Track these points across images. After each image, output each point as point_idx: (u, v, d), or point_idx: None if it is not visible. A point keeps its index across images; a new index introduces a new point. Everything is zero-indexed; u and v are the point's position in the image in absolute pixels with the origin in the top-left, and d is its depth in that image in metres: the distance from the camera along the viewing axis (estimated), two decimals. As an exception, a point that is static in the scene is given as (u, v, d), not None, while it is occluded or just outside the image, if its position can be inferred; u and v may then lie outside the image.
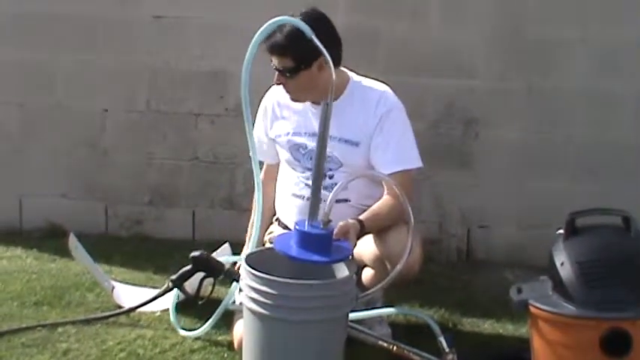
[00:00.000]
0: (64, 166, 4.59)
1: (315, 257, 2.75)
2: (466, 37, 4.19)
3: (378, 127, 3.22)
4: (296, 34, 3.05)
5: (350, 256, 2.86)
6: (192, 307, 3.27)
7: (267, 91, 3.38)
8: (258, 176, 3.13)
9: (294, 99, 3.27)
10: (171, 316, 3.33)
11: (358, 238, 3.00)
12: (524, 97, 4.19)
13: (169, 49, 4.42)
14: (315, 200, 2.84)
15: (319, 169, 2.88)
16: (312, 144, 3.21)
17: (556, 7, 4.10)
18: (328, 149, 3.14)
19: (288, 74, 3.15)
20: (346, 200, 3.17)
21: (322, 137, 2.89)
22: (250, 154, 3.11)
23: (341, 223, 2.92)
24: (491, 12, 4.16)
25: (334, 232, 2.86)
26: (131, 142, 4.51)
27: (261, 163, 3.33)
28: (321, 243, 2.78)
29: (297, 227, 2.83)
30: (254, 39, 2.87)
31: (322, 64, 3.13)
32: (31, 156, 4.59)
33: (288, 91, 3.23)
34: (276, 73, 3.17)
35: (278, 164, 3.39)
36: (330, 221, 2.81)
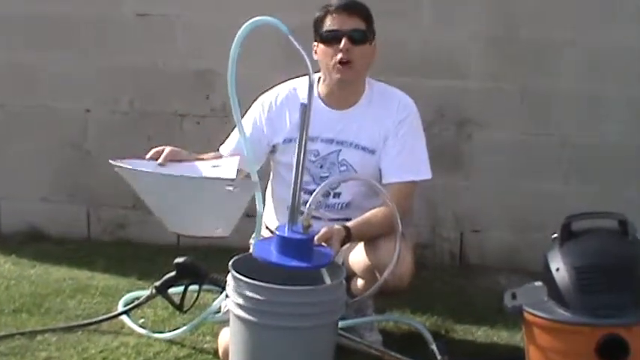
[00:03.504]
0: (45, 168, 4.59)
1: (294, 263, 2.74)
2: (458, 38, 4.20)
3: (394, 132, 3.23)
4: (363, 4, 3.17)
5: (330, 261, 2.83)
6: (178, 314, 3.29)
7: (267, 90, 3.35)
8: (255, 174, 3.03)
9: (349, 75, 3.18)
10: (125, 318, 3.37)
11: (344, 244, 2.99)
12: (518, 98, 4.20)
13: (154, 48, 4.42)
14: (294, 204, 2.81)
15: (299, 172, 2.84)
16: (326, 150, 3.23)
17: (549, 8, 4.12)
18: (343, 156, 3.18)
19: (357, 39, 3.14)
20: (348, 219, 3.12)
21: (302, 139, 2.83)
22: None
23: (325, 229, 2.90)
24: (484, 13, 4.18)
25: (316, 237, 2.85)
26: (115, 143, 4.49)
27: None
28: (302, 248, 2.77)
29: (277, 232, 2.83)
30: (236, 37, 2.85)
31: (374, 48, 3.21)
32: (11, 157, 4.60)
33: (350, 60, 3.15)
34: (343, 40, 3.12)
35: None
36: (310, 226, 2.79)
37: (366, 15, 3.20)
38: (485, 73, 4.22)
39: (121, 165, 2.94)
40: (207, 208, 2.97)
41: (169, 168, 3.07)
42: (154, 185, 3.01)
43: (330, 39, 3.17)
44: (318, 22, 3.21)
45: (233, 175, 3.00)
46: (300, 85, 3.18)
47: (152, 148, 3.12)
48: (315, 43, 3.22)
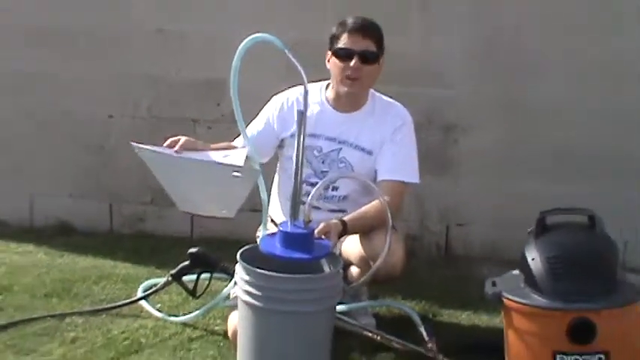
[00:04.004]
0: (72, 169, 4.59)
1: (296, 255, 2.74)
2: (445, 50, 4.19)
3: (391, 137, 3.24)
4: (377, 25, 3.18)
5: (328, 253, 2.84)
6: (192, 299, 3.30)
7: (281, 91, 3.36)
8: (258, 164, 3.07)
9: (355, 90, 3.21)
10: (144, 303, 3.37)
11: (340, 237, 3.00)
12: (499, 105, 4.20)
13: (170, 60, 4.42)
14: (295, 202, 2.82)
15: (298, 170, 2.84)
16: (328, 147, 3.24)
17: (529, 20, 4.11)
18: (343, 154, 3.19)
19: (368, 58, 3.15)
20: (343, 211, 3.16)
21: (300, 142, 2.84)
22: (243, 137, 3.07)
23: (323, 223, 2.91)
24: (468, 25, 4.17)
25: (316, 230, 2.85)
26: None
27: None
28: (303, 242, 2.78)
29: (280, 228, 2.84)
30: (237, 52, 2.85)
31: (382, 65, 3.21)
32: (42, 159, 4.59)
33: (357, 77, 3.17)
34: (354, 59, 3.14)
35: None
36: (310, 221, 2.80)
37: (378, 37, 3.21)
38: (470, 82, 4.21)
39: (142, 147, 2.95)
40: (215, 191, 2.98)
41: (184, 155, 3.06)
42: (169, 167, 3.03)
43: (342, 55, 3.18)
44: (335, 38, 3.21)
45: (241, 163, 2.99)
46: (309, 89, 3.18)
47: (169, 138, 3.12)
48: (329, 53, 3.23)
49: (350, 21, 3.20)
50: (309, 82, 2.95)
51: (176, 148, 3.05)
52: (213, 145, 3.21)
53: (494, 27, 4.15)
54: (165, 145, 3.09)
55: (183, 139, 3.09)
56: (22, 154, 4.61)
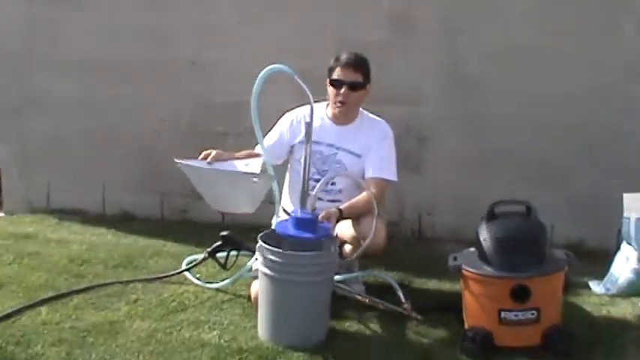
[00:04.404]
0: (132, 170, 4.56)
1: (304, 234, 2.78)
2: (418, 75, 4.13)
3: (376, 145, 3.25)
4: (365, 59, 3.16)
5: (328, 233, 2.87)
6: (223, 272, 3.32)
7: (293, 109, 3.37)
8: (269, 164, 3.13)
9: (343, 111, 3.21)
10: (187, 273, 3.38)
11: (338, 221, 3.03)
12: (462, 120, 4.14)
13: (203, 85, 4.37)
14: (304, 195, 2.87)
15: (306, 172, 2.89)
16: (327, 152, 3.25)
17: (485, 50, 4.05)
18: (338, 157, 3.21)
19: (355, 87, 3.16)
20: (339, 201, 3.18)
21: (307, 148, 2.89)
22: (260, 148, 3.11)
23: (324, 211, 2.95)
24: (437, 58, 4.11)
25: (319, 216, 2.89)
26: (177, 153, 4.47)
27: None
28: (309, 225, 2.82)
29: (292, 214, 2.88)
30: (258, 78, 2.90)
31: (368, 90, 3.21)
32: (111, 163, 4.57)
33: (345, 102, 3.18)
34: (343, 88, 3.14)
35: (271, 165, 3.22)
36: (315, 209, 2.85)
37: (365, 70, 3.21)
38: (438, 102, 4.15)
39: (182, 162, 3.00)
40: (238, 193, 3.04)
41: (215, 165, 3.09)
42: (203, 176, 3.07)
43: (335, 85, 3.21)
44: (331, 70, 3.23)
45: (257, 171, 3.05)
46: (314, 107, 3.17)
47: (203, 150, 3.15)
48: (328, 81, 3.25)
49: (343, 57, 3.21)
50: (314, 101, 2.99)
51: (208, 160, 3.09)
52: (237, 154, 3.23)
53: (457, 60, 4.10)
54: (200, 157, 3.11)
55: (213, 152, 3.13)
56: (97, 159, 4.59)
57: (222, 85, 4.36)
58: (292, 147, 3.34)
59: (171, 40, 4.39)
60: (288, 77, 3.00)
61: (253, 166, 3.11)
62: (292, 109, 3.40)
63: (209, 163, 3.09)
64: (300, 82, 2.89)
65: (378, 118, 3.35)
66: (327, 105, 3.33)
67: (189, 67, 4.40)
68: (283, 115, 3.41)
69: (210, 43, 4.35)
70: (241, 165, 3.14)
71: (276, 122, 3.41)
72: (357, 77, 3.19)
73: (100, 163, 4.61)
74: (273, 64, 2.97)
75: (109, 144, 4.59)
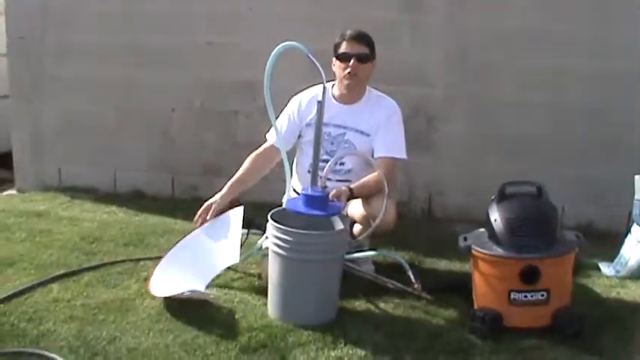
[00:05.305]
0: (144, 149, 4.59)
1: (314, 212, 2.77)
2: (427, 58, 4.16)
3: (384, 123, 3.23)
4: (369, 35, 3.19)
5: (339, 211, 2.85)
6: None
7: (301, 91, 3.35)
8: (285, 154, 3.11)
9: (352, 84, 3.20)
10: None
11: (348, 200, 3.02)
12: (469, 101, 4.16)
13: (217, 65, 4.40)
14: (315, 172, 2.85)
15: (317, 149, 2.86)
16: (335, 132, 3.23)
17: (490, 37, 4.07)
18: (347, 137, 3.19)
19: (363, 59, 3.16)
20: (348, 181, 3.15)
21: (318, 126, 2.87)
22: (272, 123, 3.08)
23: (335, 190, 2.93)
24: (445, 41, 4.13)
25: (330, 194, 2.87)
26: (190, 131, 4.51)
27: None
28: (320, 202, 2.80)
29: (303, 192, 2.86)
30: (272, 55, 2.88)
31: (374, 65, 3.20)
32: (123, 142, 4.60)
33: (355, 73, 3.17)
34: (352, 60, 3.14)
35: (278, 151, 3.20)
36: (326, 187, 2.83)
37: (370, 43, 3.21)
38: (447, 83, 4.17)
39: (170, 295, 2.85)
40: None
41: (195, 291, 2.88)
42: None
43: (343, 58, 3.19)
44: (337, 46, 3.22)
45: (237, 260, 2.96)
46: (321, 89, 3.16)
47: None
48: (334, 60, 3.23)
49: (348, 32, 3.21)
50: (319, 82, 2.96)
51: (205, 225, 3.13)
52: (233, 181, 3.22)
53: (467, 40, 4.11)
54: (198, 213, 3.15)
55: (211, 209, 3.14)
56: (109, 138, 4.61)
57: (234, 66, 4.37)
58: (301, 130, 3.33)
59: (184, 25, 4.40)
60: (299, 59, 2.95)
61: (232, 247, 3.00)
62: (302, 90, 3.38)
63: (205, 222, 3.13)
64: (313, 58, 2.84)
65: (384, 96, 3.33)
66: (333, 85, 3.31)
67: (202, 50, 4.40)
68: (291, 98, 3.38)
69: (223, 28, 4.36)
70: (223, 246, 3.03)
71: (286, 103, 3.38)
72: (364, 49, 3.19)
73: (111, 143, 4.63)
74: (285, 42, 2.94)
75: (121, 124, 4.60)
